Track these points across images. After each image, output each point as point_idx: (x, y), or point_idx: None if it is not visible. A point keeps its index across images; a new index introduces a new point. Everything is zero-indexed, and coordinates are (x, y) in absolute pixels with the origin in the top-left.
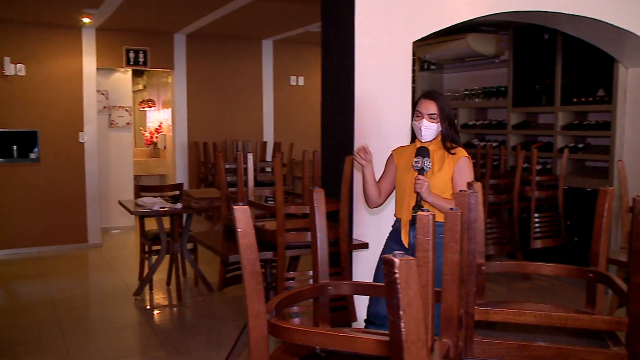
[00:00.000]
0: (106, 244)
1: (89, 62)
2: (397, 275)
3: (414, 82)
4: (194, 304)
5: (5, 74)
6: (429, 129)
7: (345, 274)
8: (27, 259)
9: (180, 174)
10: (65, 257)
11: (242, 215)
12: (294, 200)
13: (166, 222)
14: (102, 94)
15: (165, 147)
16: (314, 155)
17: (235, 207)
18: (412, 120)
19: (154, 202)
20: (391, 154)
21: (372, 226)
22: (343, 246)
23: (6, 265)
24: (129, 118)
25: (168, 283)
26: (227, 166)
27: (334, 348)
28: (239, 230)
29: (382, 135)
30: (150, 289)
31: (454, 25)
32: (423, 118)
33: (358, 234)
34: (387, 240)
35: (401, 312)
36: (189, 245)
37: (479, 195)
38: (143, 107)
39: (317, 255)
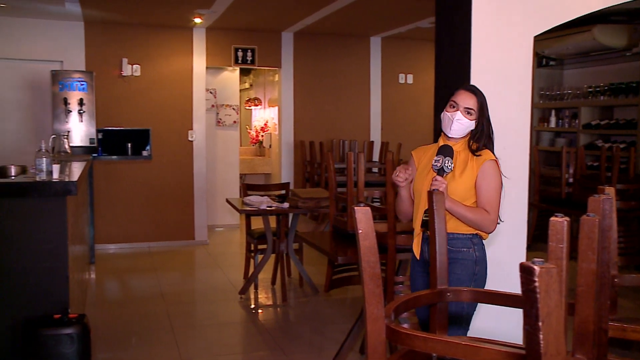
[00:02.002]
0: (212, 242)
1: (199, 62)
2: (536, 284)
3: None
4: (299, 304)
5: (123, 74)
6: (461, 124)
7: None
8: (138, 253)
9: (285, 173)
10: (174, 253)
11: (363, 216)
12: None
13: (272, 222)
14: (211, 92)
15: (270, 146)
16: None
17: (356, 208)
18: (442, 111)
19: (261, 201)
20: (411, 155)
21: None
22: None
23: (119, 259)
24: (236, 116)
25: (273, 283)
26: (335, 166)
27: (455, 357)
28: (360, 231)
29: (499, 137)
30: (255, 288)
31: (579, 17)
32: (458, 110)
33: None
34: (412, 257)
35: (540, 323)
36: (295, 245)
37: (613, 201)
38: (249, 106)
39: (436, 259)
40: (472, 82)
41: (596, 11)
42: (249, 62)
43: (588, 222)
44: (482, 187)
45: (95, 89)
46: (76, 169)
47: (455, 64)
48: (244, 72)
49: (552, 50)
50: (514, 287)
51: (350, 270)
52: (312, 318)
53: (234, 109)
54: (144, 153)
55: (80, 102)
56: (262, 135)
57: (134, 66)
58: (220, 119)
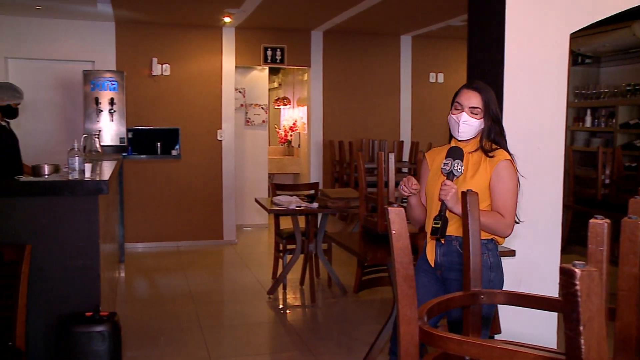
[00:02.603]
0: (240, 241)
1: (229, 61)
2: (577, 287)
3: None
4: (327, 305)
5: (153, 74)
6: (469, 125)
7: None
8: (166, 252)
9: (314, 173)
10: (202, 252)
11: (397, 217)
12: None
13: (301, 222)
14: (240, 92)
15: (299, 146)
16: None
17: (390, 208)
18: (449, 113)
19: (290, 201)
20: (424, 157)
21: (520, 233)
22: None
23: (148, 258)
24: (265, 116)
25: (301, 283)
26: (365, 166)
27: None
28: (393, 232)
29: (532, 137)
30: (284, 288)
31: (618, 13)
32: (463, 111)
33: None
34: (419, 257)
35: (581, 328)
36: (323, 246)
37: None
38: (278, 105)
39: (469, 261)
40: (506, 82)
41: (636, 6)
42: (278, 61)
43: (630, 224)
44: (497, 189)
45: (126, 89)
46: (107, 168)
47: (488, 62)
48: (272, 72)
49: (589, 48)
50: (548, 289)
51: (380, 271)
52: (340, 319)
53: (262, 108)
54: (173, 152)
55: (111, 102)
56: (291, 135)
57: (164, 66)
58: (249, 119)
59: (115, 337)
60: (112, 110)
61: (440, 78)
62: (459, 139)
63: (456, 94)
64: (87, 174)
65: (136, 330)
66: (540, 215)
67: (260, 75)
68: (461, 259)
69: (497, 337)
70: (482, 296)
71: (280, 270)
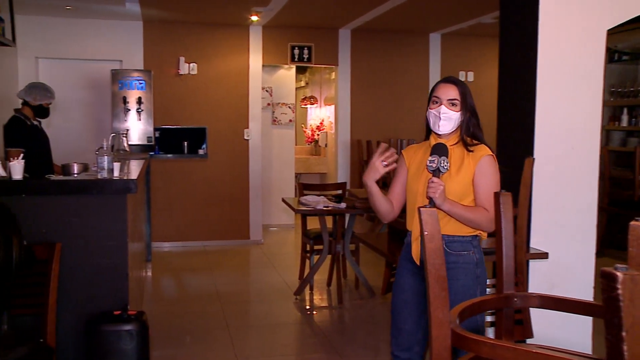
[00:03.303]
0: (267, 241)
1: (256, 60)
2: (619, 292)
3: None
4: (354, 307)
5: (180, 73)
6: (449, 118)
7: (521, 285)
8: (193, 252)
9: (341, 173)
10: (228, 252)
11: (430, 217)
12: None
13: (328, 222)
14: (267, 91)
15: (326, 145)
16: None
17: (422, 209)
18: (427, 109)
19: (317, 201)
20: (401, 154)
21: (553, 235)
22: (520, 255)
23: (175, 257)
24: (292, 115)
25: (329, 284)
26: None
27: None
28: (426, 233)
29: (567, 136)
30: (311, 289)
31: None
32: (442, 104)
33: (536, 243)
34: (400, 257)
35: (624, 334)
36: (351, 246)
37: None
38: (305, 104)
39: (502, 263)
40: (539, 80)
41: None
42: (305, 60)
43: None
44: (481, 184)
45: (153, 88)
46: (135, 168)
47: (520, 60)
48: (299, 70)
49: (627, 44)
50: (582, 293)
51: None
52: (368, 321)
53: (289, 107)
54: (200, 152)
55: (139, 101)
56: (318, 134)
57: (191, 65)
58: (276, 118)
59: (143, 336)
60: (140, 110)
61: (470, 77)
62: (440, 132)
63: (432, 90)
64: (116, 173)
65: (163, 330)
66: (574, 217)
67: (288, 74)
68: (449, 257)
69: (528, 341)
70: (515, 299)
71: (307, 271)
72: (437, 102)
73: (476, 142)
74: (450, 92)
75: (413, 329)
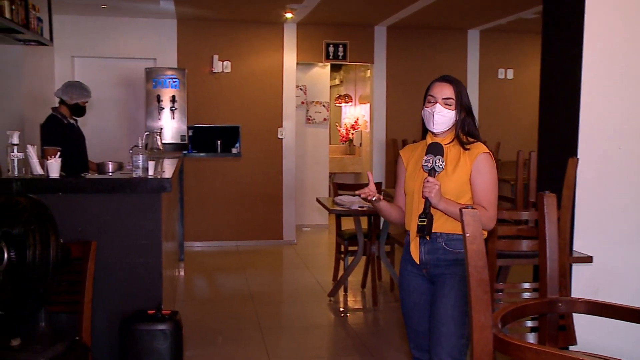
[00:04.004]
0: (300, 242)
1: (290, 57)
2: None
3: None
4: (389, 309)
5: (214, 71)
6: (444, 117)
7: (564, 290)
8: (225, 252)
9: (376, 173)
10: (261, 252)
11: (471, 219)
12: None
13: (363, 223)
14: (301, 89)
15: (361, 144)
16: (530, 156)
17: (464, 210)
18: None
19: (352, 201)
20: (399, 155)
21: (597, 238)
22: (563, 259)
23: (208, 257)
24: (326, 114)
25: (363, 286)
26: None
27: None
28: (467, 235)
29: (613, 136)
30: (345, 290)
31: None
32: (437, 103)
33: (579, 246)
34: (402, 258)
35: None
36: (386, 248)
37: None
38: (339, 103)
39: (546, 266)
40: (584, 77)
41: None
42: (340, 57)
43: None
44: (478, 183)
45: (187, 86)
46: (169, 166)
47: (564, 57)
48: (334, 68)
49: None
50: (628, 299)
51: None
52: (402, 324)
53: (324, 105)
54: (234, 150)
55: (173, 99)
56: (353, 133)
57: (225, 63)
58: (310, 116)
59: (177, 336)
60: (174, 108)
61: (510, 74)
62: (435, 131)
63: (428, 89)
64: (151, 172)
65: (196, 330)
66: (620, 219)
67: (322, 72)
68: (447, 256)
69: (571, 348)
70: (559, 304)
71: (341, 272)
72: (432, 101)
73: (472, 140)
74: (445, 91)
75: (429, 330)
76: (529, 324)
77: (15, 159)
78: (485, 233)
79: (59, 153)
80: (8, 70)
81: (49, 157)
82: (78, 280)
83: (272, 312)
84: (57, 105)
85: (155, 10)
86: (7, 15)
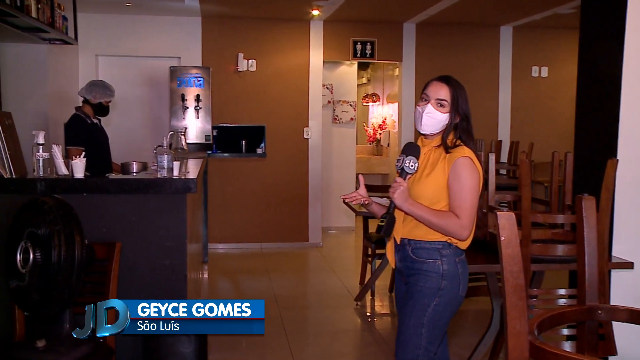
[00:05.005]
0: (326, 244)
1: (316, 56)
2: None
3: None
4: None
5: (239, 70)
6: (432, 118)
7: (602, 297)
8: (249, 254)
9: None
10: (286, 254)
11: (507, 222)
12: (534, 206)
13: None
14: (327, 88)
15: (388, 145)
16: (566, 157)
17: (499, 213)
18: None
19: (380, 203)
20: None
21: (638, 243)
22: (601, 265)
23: (232, 259)
24: (353, 113)
25: (391, 290)
26: None
27: None
28: (502, 238)
29: None
30: (372, 295)
31: None
32: (429, 103)
33: (619, 252)
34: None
35: None
36: None
37: None
38: (366, 102)
39: (585, 272)
40: (625, 76)
41: None
42: (368, 55)
43: None
44: (453, 188)
45: (212, 85)
46: (194, 167)
47: (603, 53)
48: (361, 67)
49: None
50: None
51: (477, 280)
52: None
53: (351, 105)
54: (258, 150)
55: (197, 98)
56: (380, 133)
57: (250, 61)
58: (337, 116)
59: (202, 340)
60: (198, 107)
61: (544, 72)
62: (421, 131)
63: (424, 87)
64: (175, 172)
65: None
66: None
67: (349, 70)
68: (414, 264)
69: (611, 359)
70: (599, 312)
71: (368, 276)
72: (425, 100)
73: (458, 144)
74: (440, 91)
75: None
76: (565, 331)
77: (41, 159)
78: (465, 245)
79: (83, 153)
80: (33, 69)
81: (73, 157)
82: (102, 281)
83: (297, 316)
84: (80, 104)
85: (180, 8)
86: (34, 14)
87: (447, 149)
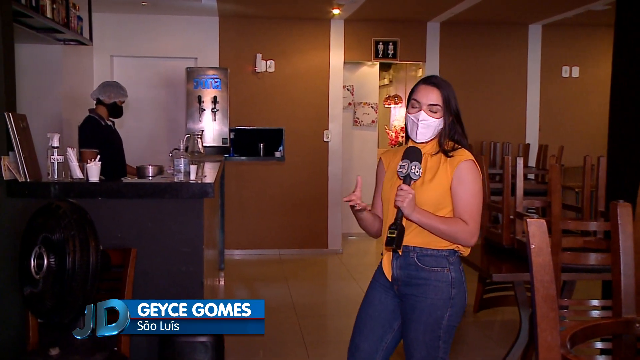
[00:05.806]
0: (346, 251)
1: (337, 56)
2: None
3: None
4: None
5: (257, 71)
6: (428, 126)
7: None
8: (267, 260)
9: None
10: (305, 261)
11: (538, 230)
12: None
13: None
14: (348, 89)
15: None
16: (599, 161)
17: (529, 220)
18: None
19: None
20: (380, 159)
21: None
22: (638, 275)
23: (249, 266)
24: (374, 115)
25: None
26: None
27: None
28: (533, 246)
29: None
30: None
31: None
32: (421, 110)
33: None
34: (376, 270)
35: None
36: None
37: None
38: (388, 104)
39: (621, 283)
40: None
41: None
42: (390, 56)
43: None
44: (459, 193)
45: (229, 86)
46: (211, 170)
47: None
48: (383, 67)
49: None
50: None
51: (504, 289)
52: (457, 341)
53: (372, 107)
54: (277, 154)
55: (214, 100)
56: (402, 136)
57: (268, 62)
58: (358, 118)
59: (219, 349)
60: (215, 109)
61: (575, 72)
62: (417, 140)
63: (412, 91)
64: (192, 176)
65: (236, 342)
66: None
67: (370, 71)
68: (419, 273)
69: None
70: (637, 325)
71: None
72: (416, 107)
73: (457, 147)
74: (431, 95)
75: (372, 349)
76: (599, 345)
77: (55, 162)
78: (467, 251)
79: (98, 156)
80: (48, 70)
81: (87, 160)
82: (117, 287)
83: (316, 325)
84: (94, 107)
85: (197, 8)
86: (49, 14)
87: (447, 152)
